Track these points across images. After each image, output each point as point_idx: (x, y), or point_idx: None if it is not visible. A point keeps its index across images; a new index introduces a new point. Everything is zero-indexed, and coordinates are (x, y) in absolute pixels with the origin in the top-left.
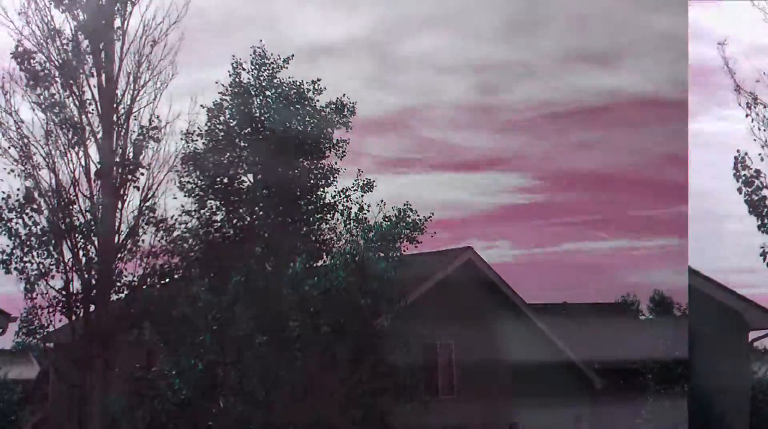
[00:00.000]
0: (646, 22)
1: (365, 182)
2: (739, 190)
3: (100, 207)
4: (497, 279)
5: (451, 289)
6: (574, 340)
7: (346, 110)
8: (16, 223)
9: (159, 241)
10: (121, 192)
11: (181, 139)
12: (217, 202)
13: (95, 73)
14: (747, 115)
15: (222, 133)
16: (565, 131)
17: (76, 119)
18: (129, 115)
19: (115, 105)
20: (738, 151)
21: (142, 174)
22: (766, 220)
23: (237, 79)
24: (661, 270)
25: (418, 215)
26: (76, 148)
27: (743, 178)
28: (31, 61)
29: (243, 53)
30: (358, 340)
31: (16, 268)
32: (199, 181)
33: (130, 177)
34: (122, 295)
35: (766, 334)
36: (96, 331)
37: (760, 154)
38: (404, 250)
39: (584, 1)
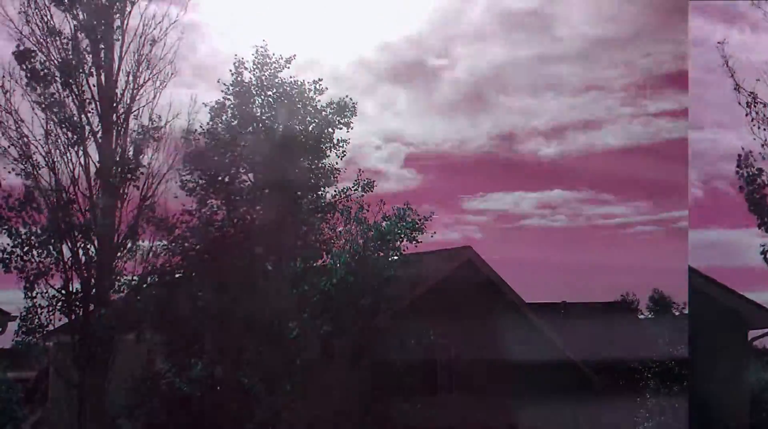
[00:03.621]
0: None
1: (366, 182)
2: (741, 188)
3: (100, 206)
4: (496, 278)
5: (450, 288)
6: (574, 339)
7: (347, 110)
8: (16, 222)
9: (159, 240)
10: (121, 191)
11: (182, 137)
12: (218, 202)
13: (95, 72)
14: (747, 114)
15: (223, 132)
16: None
17: (75, 118)
18: (129, 114)
19: (114, 104)
20: (742, 148)
21: (142, 173)
22: (766, 219)
23: (239, 79)
24: None
25: (418, 214)
26: (76, 147)
27: (745, 176)
28: (31, 60)
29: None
30: (357, 339)
31: (15, 267)
32: (199, 180)
33: (129, 176)
34: (122, 295)
35: (766, 333)
36: (95, 331)
37: (761, 153)
38: (404, 250)
39: None
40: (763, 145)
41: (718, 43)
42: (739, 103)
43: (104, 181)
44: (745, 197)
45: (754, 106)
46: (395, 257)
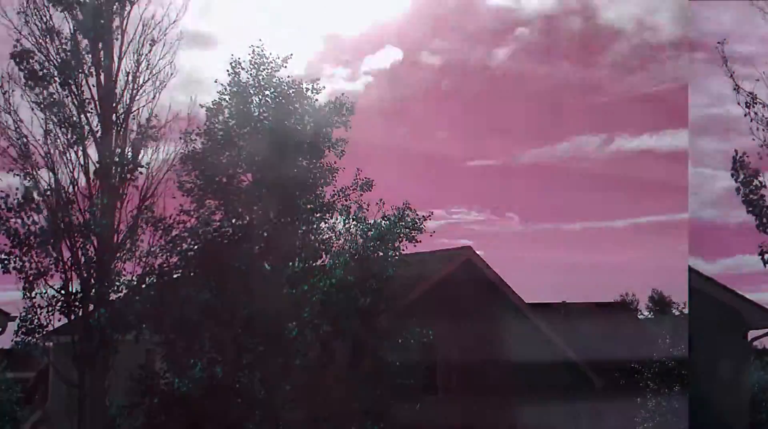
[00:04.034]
0: None
1: (365, 181)
2: (738, 189)
3: (99, 206)
4: (496, 278)
5: (450, 288)
6: (574, 339)
7: (344, 109)
8: (15, 222)
9: (158, 240)
10: (120, 191)
11: (180, 138)
12: (216, 202)
13: (94, 73)
14: (746, 115)
15: (221, 133)
16: None
17: (75, 118)
18: (128, 114)
19: (114, 104)
20: (736, 151)
21: (141, 173)
22: (764, 219)
23: (236, 79)
24: None
25: (417, 214)
26: (75, 148)
27: (741, 177)
28: (30, 60)
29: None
30: (357, 340)
31: (15, 268)
32: (197, 181)
33: (129, 176)
34: (121, 295)
35: (766, 334)
36: (95, 331)
37: (758, 153)
38: (403, 249)
39: None
40: (762, 146)
41: (718, 43)
42: (739, 104)
43: (103, 182)
44: (742, 199)
45: (753, 107)
46: (395, 257)
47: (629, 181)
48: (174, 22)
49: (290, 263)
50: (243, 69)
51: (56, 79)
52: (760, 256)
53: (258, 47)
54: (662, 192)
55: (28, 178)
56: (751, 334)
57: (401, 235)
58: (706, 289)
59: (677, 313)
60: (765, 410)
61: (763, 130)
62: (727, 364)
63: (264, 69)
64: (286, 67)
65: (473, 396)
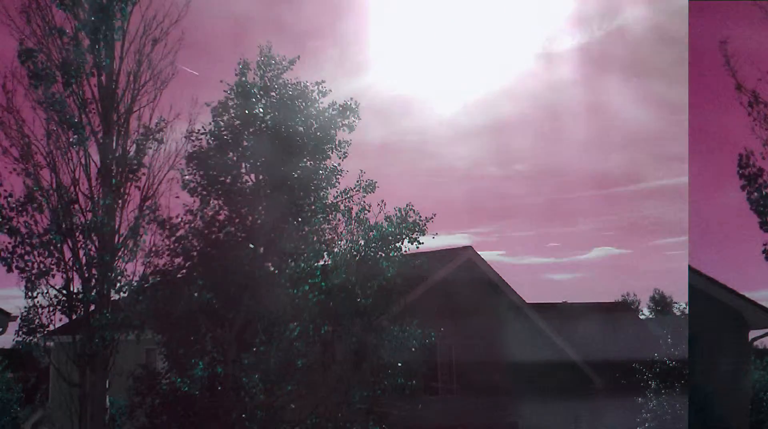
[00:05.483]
0: None
1: (367, 183)
2: (743, 187)
3: (101, 206)
4: (497, 278)
5: (450, 288)
6: (574, 339)
7: (348, 112)
8: (17, 222)
9: (162, 240)
10: (122, 191)
11: (185, 137)
12: (220, 202)
13: (96, 72)
14: (749, 114)
15: (226, 133)
16: None
17: (76, 118)
18: (130, 114)
19: (115, 104)
20: (744, 148)
21: (143, 173)
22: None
23: (242, 79)
24: None
25: (419, 215)
26: (77, 147)
27: (746, 176)
28: (33, 59)
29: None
30: (358, 340)
31: (17, 267)
32: (202, 181)
33: (131, 176)
34: (123, 295)
35: (766, 334)
36: (96, 331)
37: (761, 153)
38: (405, 250)
39: None
40: (764, 145)
41: (720, 42)
42: (741, 104)
43: (105, 181)
44: (746, 197)
45: (756, 106)
46: (396, 258)
47: None
48: (175, 22)
49: (293, 264)
50: (250, 70)
51: (58, 78)
52: (764, 255)
53: (266, 48)
54: None
55: (31, 178)
56: (752, 334)
57: (403, 237)
58: (707, 289)
59: (679, 313)
60: (765, 410)
61: (766, 129)
62: (727, 364)
63: (270, 71)
64: (292, 69)
65: (474, 396)
